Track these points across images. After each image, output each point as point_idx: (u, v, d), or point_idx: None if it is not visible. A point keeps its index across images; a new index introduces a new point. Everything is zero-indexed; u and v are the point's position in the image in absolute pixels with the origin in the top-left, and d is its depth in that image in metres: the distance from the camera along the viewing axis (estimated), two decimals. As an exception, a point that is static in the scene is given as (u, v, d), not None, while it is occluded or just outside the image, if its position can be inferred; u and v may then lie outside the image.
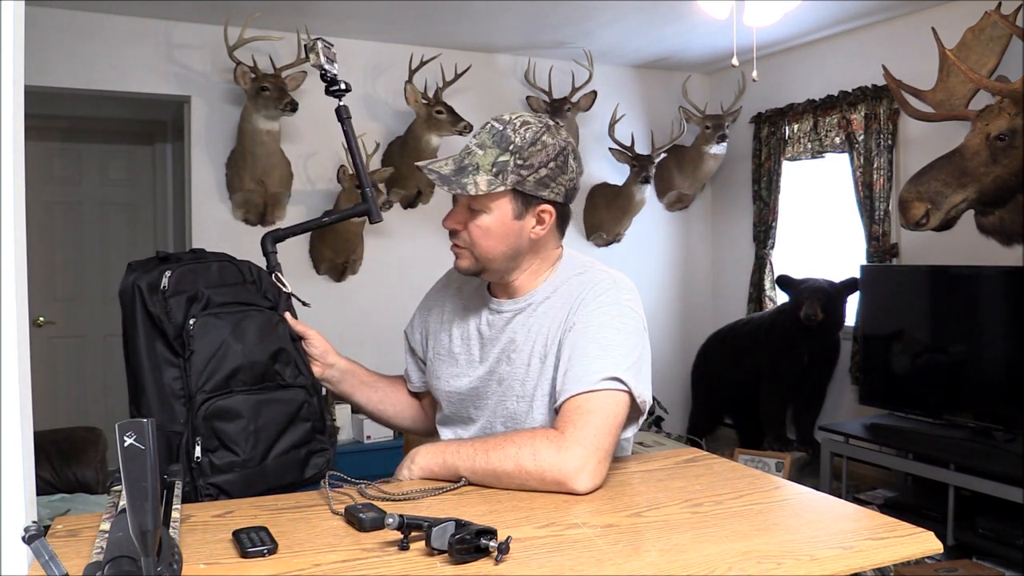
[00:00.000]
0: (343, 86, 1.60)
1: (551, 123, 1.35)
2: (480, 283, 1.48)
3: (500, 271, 1.38)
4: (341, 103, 1.60)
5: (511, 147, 1.30)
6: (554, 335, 1.34)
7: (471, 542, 0.93)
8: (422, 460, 1.28)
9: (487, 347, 1.41)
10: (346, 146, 1.65)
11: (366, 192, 1.62)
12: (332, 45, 1.58)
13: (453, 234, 1.36)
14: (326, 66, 1.55)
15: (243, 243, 3.84)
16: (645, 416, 1.34)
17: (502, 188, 1.29)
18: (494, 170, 1.30)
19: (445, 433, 1.48)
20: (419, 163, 1.37)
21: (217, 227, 3.81)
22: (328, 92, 1.60)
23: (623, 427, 1.28)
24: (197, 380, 1.29)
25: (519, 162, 1.30)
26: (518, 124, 1.32)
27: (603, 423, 1.22)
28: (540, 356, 1.35)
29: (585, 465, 1.18)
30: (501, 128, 1.32)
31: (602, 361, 1.26)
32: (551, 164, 1.31)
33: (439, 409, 1.51)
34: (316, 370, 1.49)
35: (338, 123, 1.61)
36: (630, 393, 1.26)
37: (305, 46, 1.57)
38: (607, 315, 1.31)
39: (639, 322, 1.34)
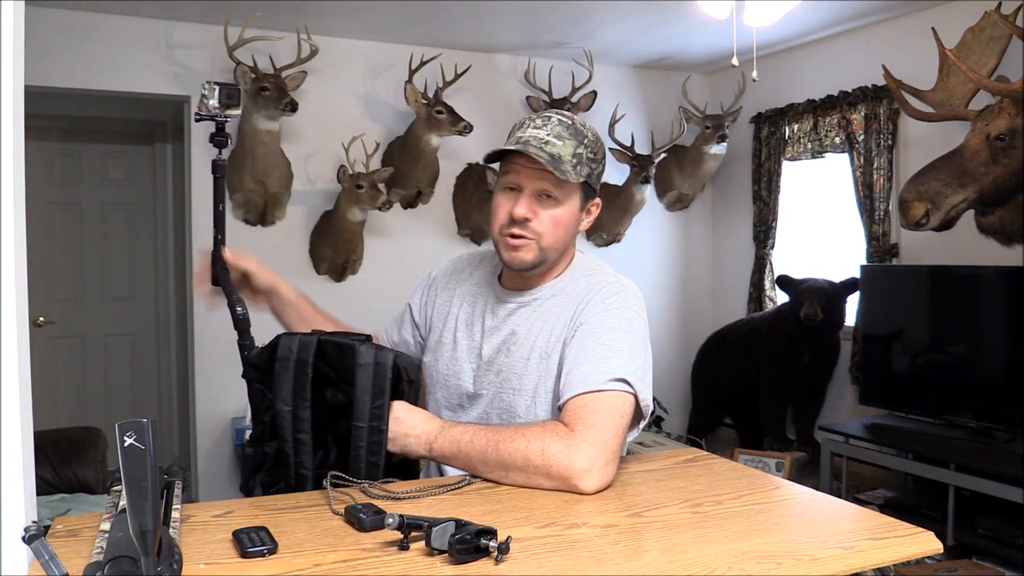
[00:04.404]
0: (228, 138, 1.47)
1: None
2: (492, 271, 1.50)
3: (550, 264, 1.40)
4: (221, 155, 1.44)
5: (585, 140, 1.35)
6: (558, 333, 1.35)
7: (471, 542, 0.93)
8: (440, 445, 1.27)
9: (488, 336, 1.42)
10: (213, 201, 1.48)
11: (217, 250, 1.46)
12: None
13: (519, 223, 1.33)
14: (229, 112, 1.40)
15: (242, 243, 3.85)
16: (647, 420, 1.35)
17: (582, 179, 1.34)
18: (573, 161, 1.33)
19: None
20: (510, 146, 1.32)
21: (217, 227, 3.80)
22: (221, 140, 1.43)
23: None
24: None
25: (590, 156, 1.35)
26: (576, 121, 1.37)
27: (611, 423, 1.23)
28: (542, 353, 1.36)
29: (593, 465, 1.18)
30: (570, 122, 1.35)
31: (609, 362, 1.27)
32: (604, 161, 1.41)
33: (430, 392, 1.52)
34: (261, 302, 1.49)
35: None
36: (635, 396, 1.27)
37: (233, 91, 1.39)
38: (615, 318, 1.32)
39: (644, 328, 1.36)
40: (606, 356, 1.27)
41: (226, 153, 1.44)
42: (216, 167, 1.44)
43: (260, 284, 1.55)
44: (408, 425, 1.27)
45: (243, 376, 1.33)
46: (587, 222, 1.42)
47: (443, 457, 1.28)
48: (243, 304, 1.37)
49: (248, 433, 1.41)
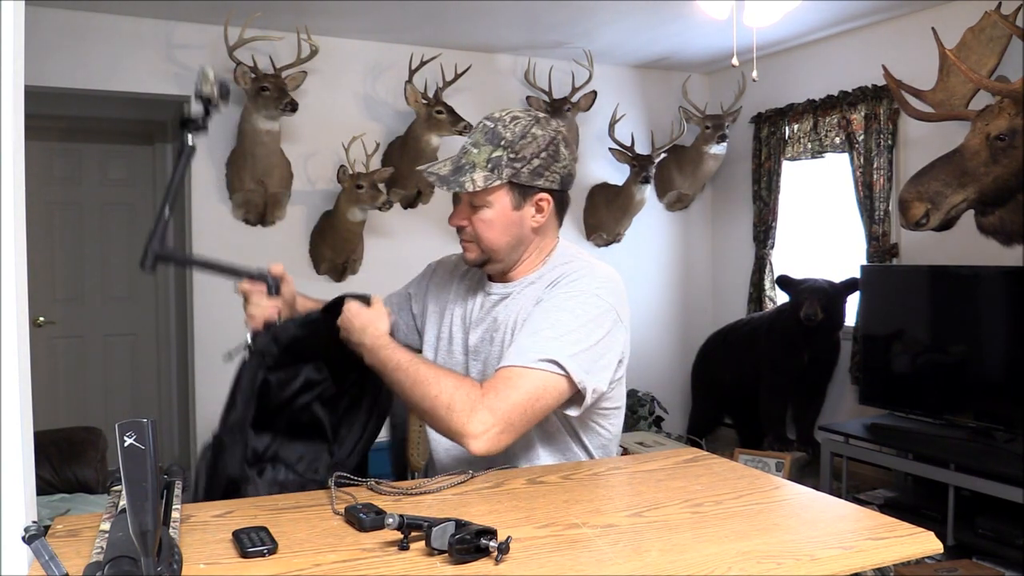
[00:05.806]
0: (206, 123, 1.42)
1: (540, 115, 1.42)
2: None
3: (505, 260, 1.44)
4: (191, 143, 1.42)
5: (503, 142, 1.37)
6: (525, 314, 1.40)
7: (471, 542, 0.93)
8: (373, 358, 1.33)
9: (474, 328, 1.48)
10: (170, 181, 1.45)
11: (156, 231, 1.41)
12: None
13: (460, 230, 1.44)
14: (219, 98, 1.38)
15: (243, 243, 3.87)
16: (589, 400, 1.33)
17: (498, 182, 1.36)
18: (489, 166, 1.37)
19: None
20: (419, 167, 1.43)
21: (217, 227, 3.81)
22: (197, 126, 1.40)
23: (563, 407, 1.33)
24: None
25: (512, 155, 1.37)
26: (508, 120, 1.39)
27: (523, 401, 1.26)
28: (513, 334, 1.41)
29: (486, 432, 1.24)
30: (492, 126, 1.39)
31: (548, 343, 1.30)
32: (543, 154, 1.38)
33: None
34: (286, 312, 1.47)
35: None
36: (569, 378, 1.29)
37: (227, 87, 1.35)
38: (571, 300, 1.36)
39: (605, 312, 1.36)
40: (548, 336, 1.30)
41: (196, 140, 1.42)
42: (189, 151, 1.44)
43: (286, 295, 1.50)
44: (363, 319, 1.35)
45: (253, 347, 1.33)
46: (540, 218, 1.42)
47: (373, 368, 1.35)
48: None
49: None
